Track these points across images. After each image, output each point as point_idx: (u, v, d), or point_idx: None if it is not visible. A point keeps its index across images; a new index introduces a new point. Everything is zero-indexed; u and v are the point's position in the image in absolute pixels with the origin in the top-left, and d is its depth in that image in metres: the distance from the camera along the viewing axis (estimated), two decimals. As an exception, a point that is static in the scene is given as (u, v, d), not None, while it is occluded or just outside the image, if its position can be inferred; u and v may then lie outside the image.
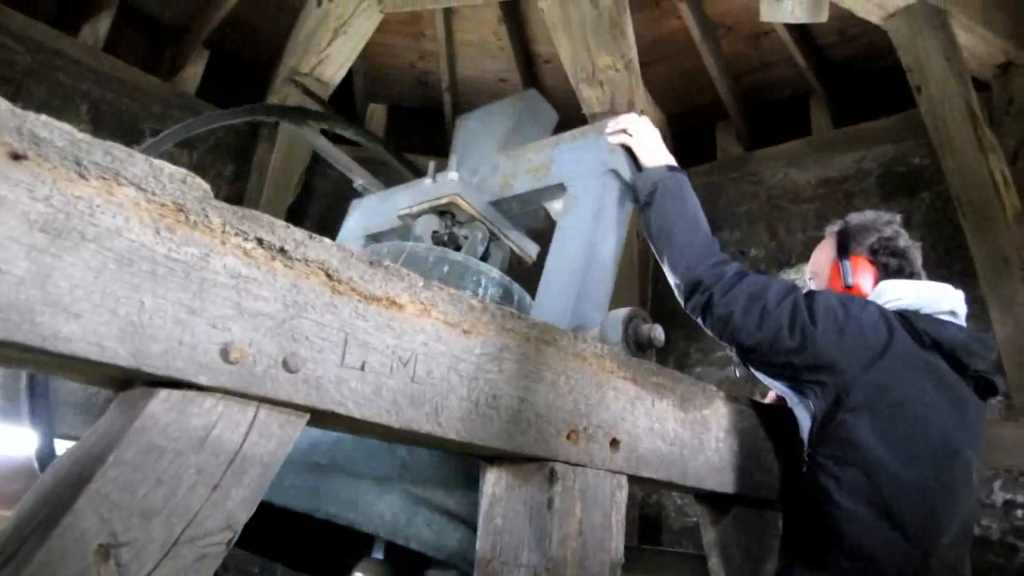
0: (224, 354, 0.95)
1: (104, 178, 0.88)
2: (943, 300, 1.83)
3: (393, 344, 1.15)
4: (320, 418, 1.07)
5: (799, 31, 4.48)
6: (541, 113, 2.58)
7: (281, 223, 1.04)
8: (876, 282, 1.92)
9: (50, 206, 0.83)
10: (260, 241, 1.00)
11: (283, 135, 4.59)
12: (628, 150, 2.03)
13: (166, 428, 0.91)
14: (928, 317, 1.78)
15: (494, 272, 2.05)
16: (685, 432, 1.73)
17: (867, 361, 1.65)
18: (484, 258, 2.26)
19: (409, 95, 5.60)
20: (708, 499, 1.93)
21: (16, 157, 0.81)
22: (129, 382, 0.95)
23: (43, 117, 0.84)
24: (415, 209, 2.23)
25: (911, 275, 1.93)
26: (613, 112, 3.92)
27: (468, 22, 4.95)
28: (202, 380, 0.93)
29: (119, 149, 0.90)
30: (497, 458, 1.44)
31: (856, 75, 4.75)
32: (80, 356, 0.83)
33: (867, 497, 1.60)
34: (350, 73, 5.00)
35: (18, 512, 0.88)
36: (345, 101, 5.53)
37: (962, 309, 1.85)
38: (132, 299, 0.88)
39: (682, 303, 1.83)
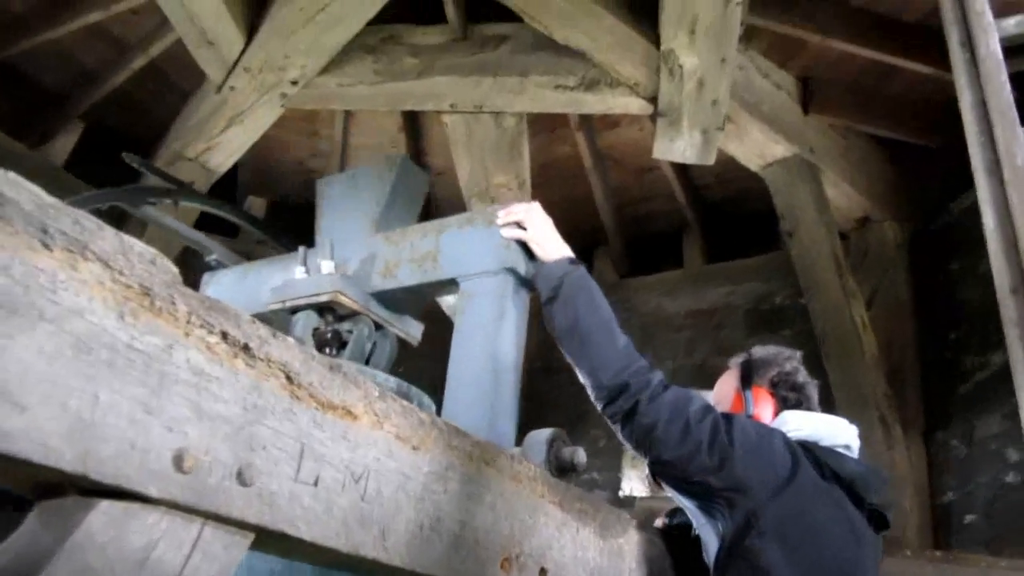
0: (177, 461, 0.83)
1: (70, 250, 0.77)
2: (840, 433, 1.91)
3: (347, 458, 1.05)
4: (266, 539, 0.95)
5: (681, 170, 4.78)
6: (414, 181, 2.43)
7: (247, 317, 0.95)
8: (776, 414, 1.98)
9: (8, 276, 0.72)
10: (224, 335, 0.91)
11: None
12: (523, 244, 1.95)
13: (104, 547, 0.78)
14: (828, 449, 1.84)
15: (391, 380, 1.94)
16: (604, 561, 1.68)
17: (776, 487, 1.67)
18: (371, 352, 2.14)
19: (295, 191, 5.49)
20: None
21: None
22: (55, 489, 0.81)
23: (11, 174, 0.74)
24: (289, 304, 2.09)
25: (808, 409, 2.00)
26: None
27: (366, 127, 4.97)
28: (151, 491, 0.80)
29: (89, 219, 0.79)
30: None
31: (728, 216, 5.10)
32: (21, 457, 0.70)
33: None
34: (235, 164, 4.87)
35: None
36: (226, 191, 5.35)
37: (856, 443, 1.94)
38: (86, 392, 0.76)
39: (600, 406, 1.76)
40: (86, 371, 0.76)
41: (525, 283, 1.96)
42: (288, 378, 0.98)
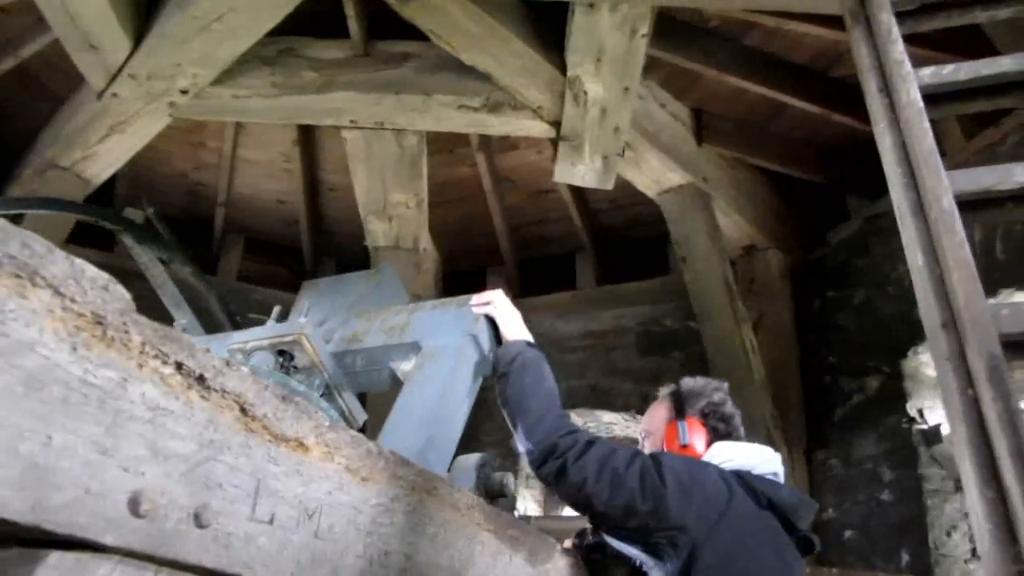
0: (133, 505, 0.76)
1: (18, 276, 0.69)
2: (768, 462, 1.98)
3: (301, 493, 1.00)
4: (220, 585, 0.89)
5: (577, 194, 4.87)
6: (395, 292, 2.57)
7: (200, 347, 0.88)
8: (708, 443, 2.02)
9: (-51, 308, 0.64)
10: (179, 366, 0.84)
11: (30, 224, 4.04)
12: (489, 324, 2.08)
13: (54, 605, 0.70)
14: (760, 478, 1.90)
15: (333, 412, 1.89)
16: (535, 589, 1.66)
17: (712, 520, 1.71)
18: None
19: (176, 204, 5.24)
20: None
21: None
22: (-6, 541, 0.72)
23: (-43, 193, 0.66)
24: (251, 345, 2.03)
25: (736, 439, 2.07)
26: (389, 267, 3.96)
27: (257, 140, 4.80)
28: (107, 540, 0.73)
29: (38, 242, 0.72)
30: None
31: (621, 240, 5.22)
32: (-32, 509, 0.62)
33: None
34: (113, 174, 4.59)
35: None
36: (101, 202, 5.04)
37: (781, 470, 2.01)
38: (38, 434, 0.68)
39: (534, 469, 1.80)
40: (38, 410, 0.69)
41: (484, 364, 2.05)
42: (243, 410, 0.92)
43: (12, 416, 0.66)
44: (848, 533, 3.89)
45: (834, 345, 4.34)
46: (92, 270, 0.77)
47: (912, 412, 3.82)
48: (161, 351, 0.82)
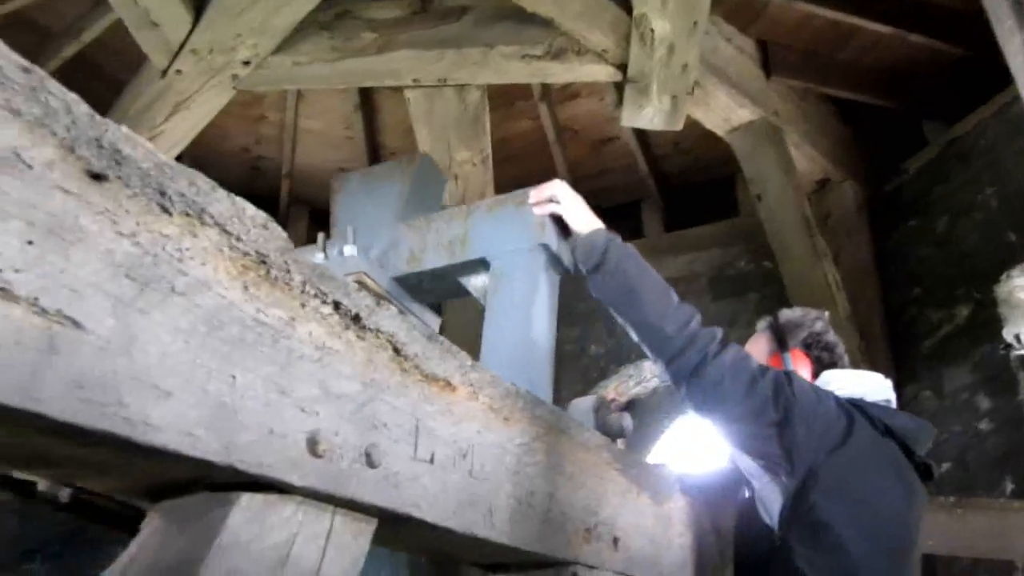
0: (312, 445, 0.75)
1: (188, 215, 0.68)
2: (880, 389, 1.91)
3: (453, 432, 0.98)
4: (389, 525, 0.87)
5: (641, 140, 4.76)
6: (433, 179, 2.40)
7: (352, 284, 0.86)
8: (813, 374, 1.96)
9: (136, 245, 0.62)
10: (337, 306, 0.82)
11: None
12: (555, 223, 1.92)
13: (248, 545, 0.69)
14: (875, 405, 1.83)
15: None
16: (658, 528, 1.64)
17: (833, 444, 1.66)
18: None
19: (239, 179, 5.27)
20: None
21: (96, 177, 0.60)
22: (175, 487, 0.71)
23: (125, 129, 0.64)
24: None
25: (842, 367, 2.00)
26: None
27: (317, 108, 4.79)
28: (293, 479, 0.72)
29: (202, 179, 0.70)
30: (500, 566, 1.27)
31: (686, 185, 5.11)
32: (170, 450, 0.61)
33: None
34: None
35: None
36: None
37: (893, 397, 1.94)
38: (222, 373, 0.67)
39: (664, 363, 1.70)
40: (220, 349, 0.67)
41: (556, 261, 1.92)
42: (395, 350, 0.90)
43: (199, 355, 0.65)
44: (945, 466, 3.78)
45: (917, 277, 4.19)
46: (252, 208, 0.75)
47: (1009, 338, 3.67)
48: (320, 290, 0.80)
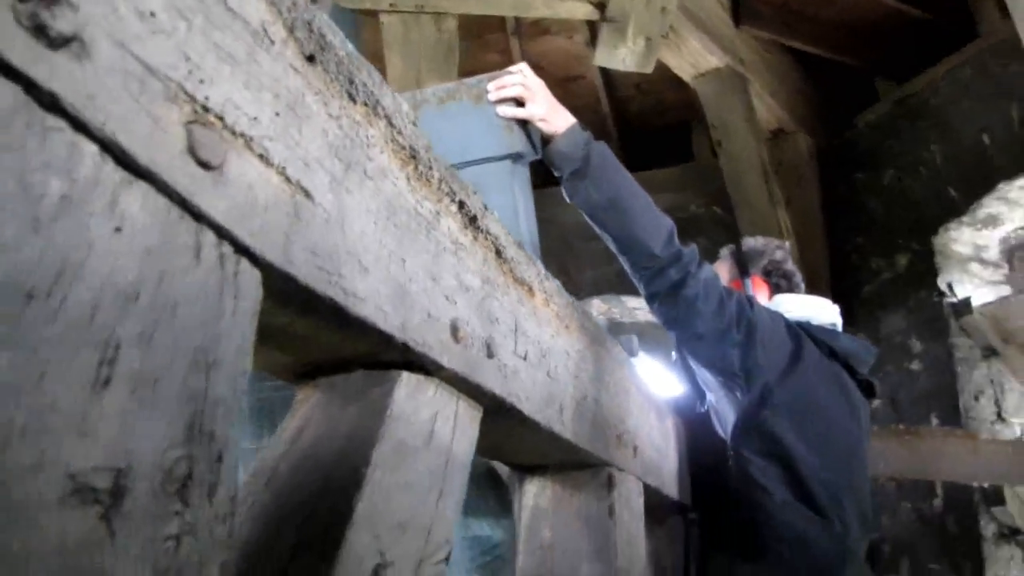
0: (454, 331, 0.80)
1: (367, 104, 0.71)
2: (827, 313, 2.07)
3: (537, 334, 1.04)
4: (489, 415, 0.94)
5: (606, 80, 4.80)
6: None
7: (471, 187, 0.90)
8: (771, 299, 2.10)
9: (340, 127, 0.65)
10: (461, 205, 0.86)
11: None
12: (520, 123, 1.62)
13: (409, 419, 0.75)
14: (821, 328, 1.98)
15: None
16: (661, 441, 1.76)
17: (785, 364, 1.80)
18: None
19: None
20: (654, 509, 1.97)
21: (309, 59, 0.63)
22: (337, 365, 0.76)
23: (325, 15, 0.66)
24: None
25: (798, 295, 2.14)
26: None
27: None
28: (443, 361, 0.77)
29: (373, 71, 0.73)
30: (536, 468, 1.36)
31: (645, 128, 5.20)
32: (369, 323, 0.66)
33: (792, 488, 1.74)
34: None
35: (259, 510, 0.66)
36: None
37: (839, 321, 2.09)
38: (397, 256, 0.71)
39: (648, 276, 1.68)
40: (395, 234, 0.71)
41: (522, 158, 1.65)
42: (498, 252, 0.95)
43: (383, 237, 0.69)
44: (875, 403, 4.06)
45: (862, 226, 4.42)
46: (405, 104, 0.78)
47: (942, 286, 3.93)
48: (451, 189, 0.84)
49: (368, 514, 0.66)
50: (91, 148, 0.41)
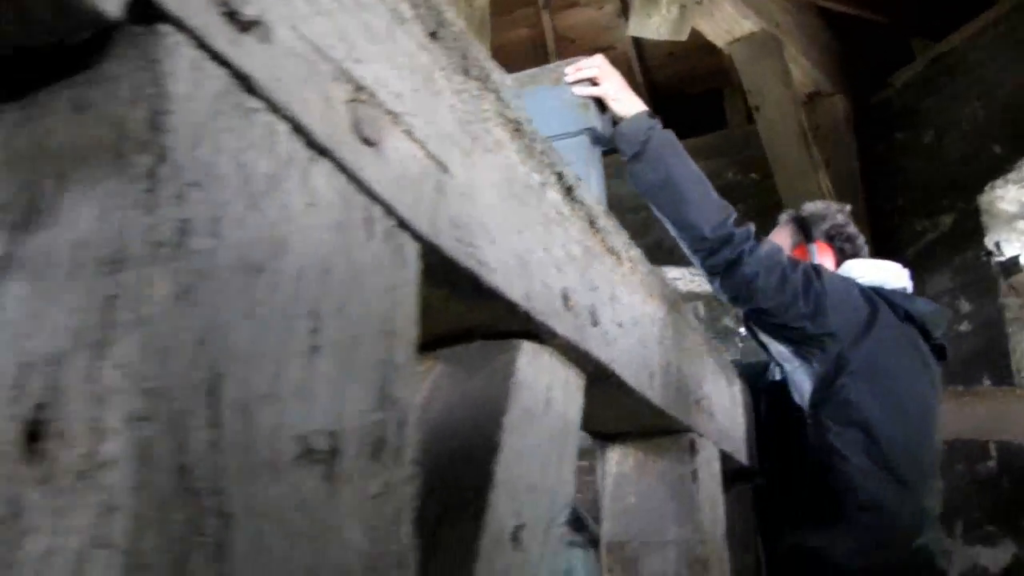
0: (565, 300, 0.81)
1: (479, 79, 0.72)
2: (898, 277, 2.05)
3: (629, 303, 1.06)
4: (591, 383, 0.95)
5: (637, 50, 4.77)
6: None
7: (564, 157, 0.91)
8: (836, 264, 2.08)
9: (464, 102, 0.67)
10: (559, 176, 0.87)
11: None
12: (597, 103, 1.76)
13: (532, 385, 0.77)
14: (895, 292, 1.97)
15: None
16: (731, 407, 1.76)
17: (860, 330, 1.79)
18: None
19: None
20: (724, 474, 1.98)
21: (432, 35, 0.64)
22: (458, 336, 0.78)
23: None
24: None
25: (863, 258, 2.13)
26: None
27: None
28: (558, 328, 0.79)
29: (481, 46, 0.74)
30: (619, 435, 1.37)
31: (677, 96, 5.15)
32: (499, 292, 0.67)
33: (869, 453, 1.74)
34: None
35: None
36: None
37: (910, 285, 2.08)
38: (515, 227, 0.73)
39: (699, 258, 1.73)
40: (512, 205, 0.73)
41: (599, 140, 1.79)
42: (591, 222, 0.96)
43: (503, 209, 0.70)
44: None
45: (903, 187, 4.36)
46: (509, 78, 0.79)
47: (990, 245, 3.88)
48: (551, 160, 0.85)
49: (506, 478, 0.68)
50: (284, 127, 0.43)
